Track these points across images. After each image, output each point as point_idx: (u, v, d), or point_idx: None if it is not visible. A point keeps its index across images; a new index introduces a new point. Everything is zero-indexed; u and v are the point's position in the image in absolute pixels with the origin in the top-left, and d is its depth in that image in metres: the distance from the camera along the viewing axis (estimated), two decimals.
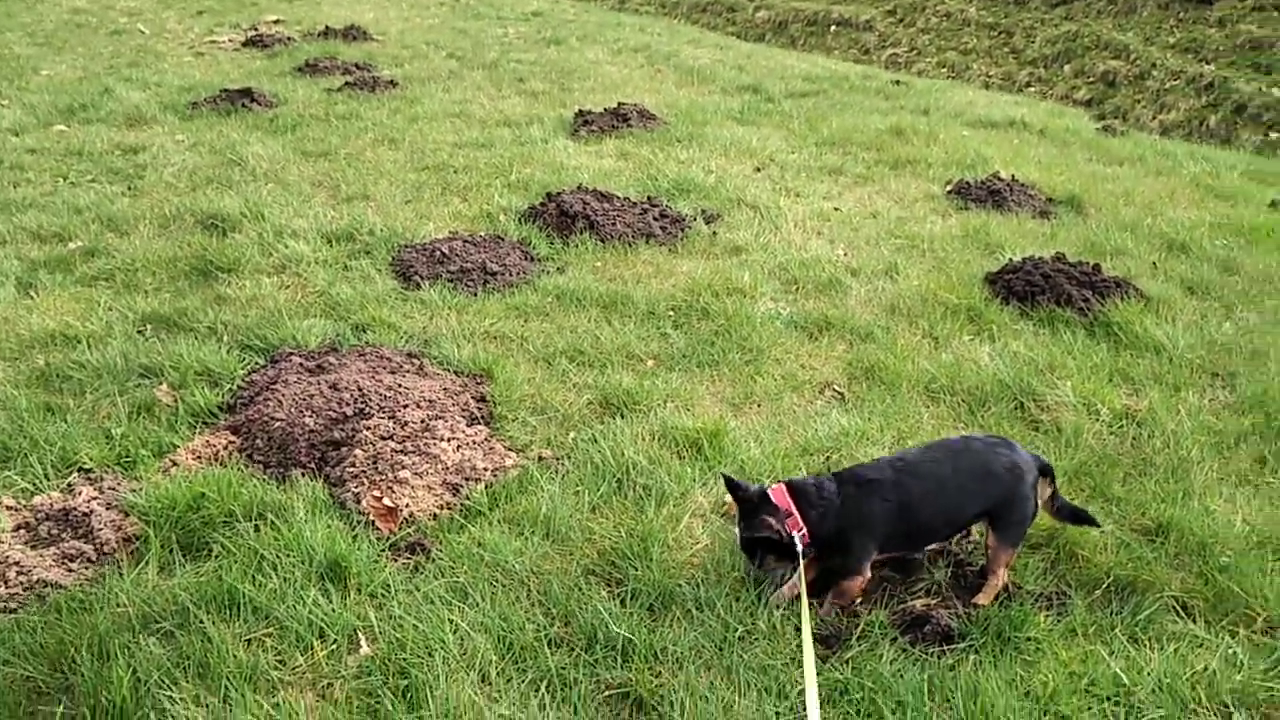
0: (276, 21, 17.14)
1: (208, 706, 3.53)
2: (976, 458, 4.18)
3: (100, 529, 4.55)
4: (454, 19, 18.62)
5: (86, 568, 4.37)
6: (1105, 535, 4.52)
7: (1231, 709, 3.66)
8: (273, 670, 3.72)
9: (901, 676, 3.72)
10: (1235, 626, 4.05)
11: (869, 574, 4.07)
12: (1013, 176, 9.35)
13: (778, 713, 3.58)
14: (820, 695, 3.67)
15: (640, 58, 15.37)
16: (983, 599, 4.14)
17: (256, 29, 16.45)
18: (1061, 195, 9.20)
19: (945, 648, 3.90)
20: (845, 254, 7.69)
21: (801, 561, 3.95)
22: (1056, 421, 5.40)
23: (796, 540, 3.93)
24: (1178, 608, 4.16)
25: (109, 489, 4.85)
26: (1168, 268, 7.51)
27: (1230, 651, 3.88)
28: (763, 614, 3.98)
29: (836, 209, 8.67)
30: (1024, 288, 6.84)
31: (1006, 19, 22.39)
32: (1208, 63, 18.37)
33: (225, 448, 5.19)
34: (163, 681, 3.63)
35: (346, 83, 12.66)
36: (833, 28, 23.46)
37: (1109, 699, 3.71)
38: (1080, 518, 4.35)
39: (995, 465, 4.13)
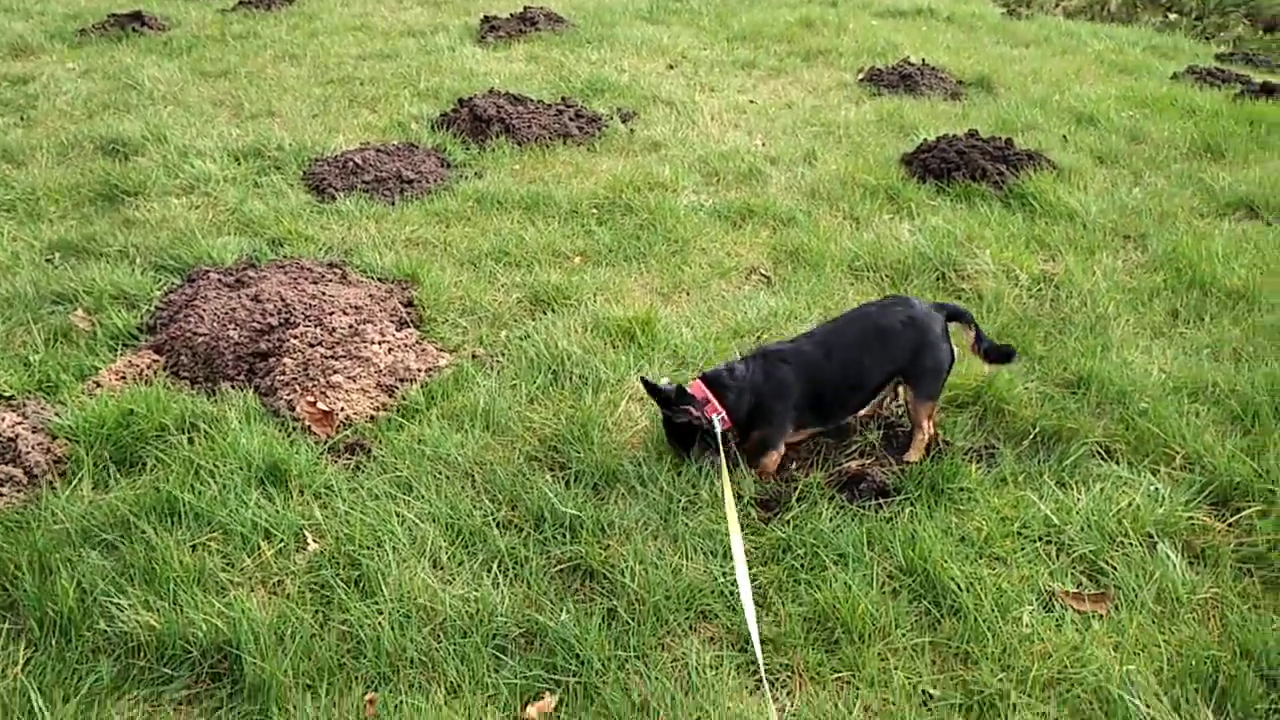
0: None
1: (158, 610, 3.51)
2: (871, 320, 4.28)
3: (28, 453, 4.44)
4: None
5: (19, 491, 4.28)
6: (1030, 390, 4.67)
7: (1155, 539, 3.84)
8: (221, 572, 3.71)
9: (841, 531, 3.84)
10: (1156, 465, 4.23)
11: (783, 449, 4.20)
12: (923, 60, 9.42)
13: (724, 572, 3.68)
14: (764, 553, 3.79)
15: None
16: (913, 455, 4.27)
17: None
18: (971, 77, 9.29)
19: (881, 502, 4.03)
20: (763, 144, 7.70)
21: (722, 445, 4.04)
22: (978, 289, 5.53)
23: (716, 423, 4.02)
24: (1101, 452, 4.33)
25: (33, 413, 4.73)
26: (1077, 139, 7.66)
27: (1153, 488, 4.07)
28: (704, 484, 4.06)
29: (752, 101, 8.67)
30: (940, 165, 6.94)
31: None
32: None
33: (149, 367, 5.09)
34: (109, 590, 3.60)
35: (240, 1, 12.19)
36: None
37: (1040, 539, 3.87)
38: (1005, 355, 4.41)
39: (892, 323, 4.23)
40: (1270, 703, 3.20)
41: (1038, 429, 4.45)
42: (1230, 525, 3.93)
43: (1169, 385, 4.70)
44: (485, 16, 11.21)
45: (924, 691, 3.30)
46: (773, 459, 4.18)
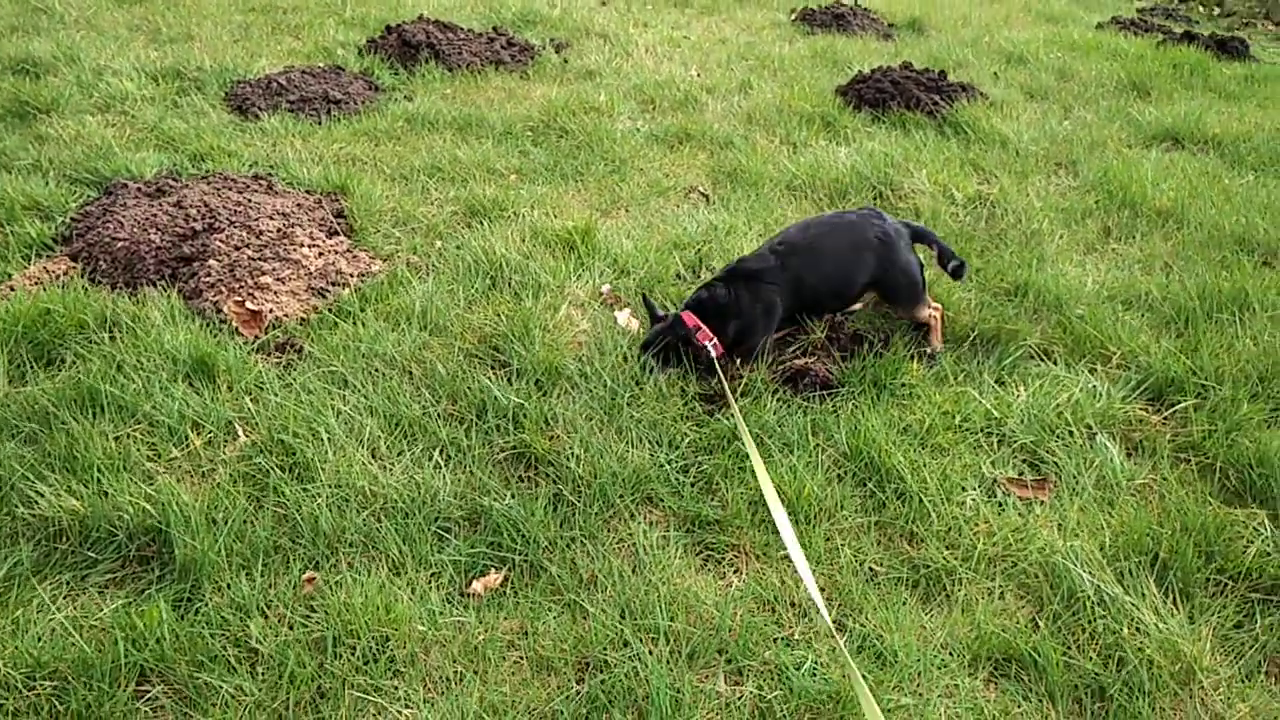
0: None
1: (81, 496, 3.35)
2: (851, 230, 4.30)
3: None
4: None
5: None
6: (968, 298, 4.70)
7: (1094, 431, 3.89)
8: (147, 462, 3.56)
9: (786, 422, 3.82)
10: (1093, 365, 4.29)
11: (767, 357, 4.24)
12: (855, 2, 9.42)
13: (669, 460, 3.63)
14: (709, 443, 3.75)
15: None
16: (935, 341, 4.38)
17: None
18: (903, 20, 9.33)
19: (825, 394, 4.01)
20: (698, 75, 7.64)
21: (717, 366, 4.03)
22: (915, 207, 5.55)
23: (710, 348, 4.00)
24: (1039, 354, 4.37)
25: None
26: (1008, 76, 7.74)
27: (1090, 385, 4.11)
28: (648, 380, 4.00)
29: (686, 37, 8.59)
30: (874, 95, 6.95)
31: None
32: None
33: (65, 272, 4.86)
34: (27, 477, 3.43)
35: None
36: None
37: (981, 431, 3.89)
38: (961, 269, 4.50)
39: (868, 237, 4.27)
40: (1209, 573, 3.26)
41: (976, 333, 4.48)
42: (1166, 419, 3.99)
43: (1103, 294, 4.76)
44: None
45: (869, 568, 3.30)
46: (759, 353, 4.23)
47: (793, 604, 3.16)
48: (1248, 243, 5.22)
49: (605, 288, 4.69)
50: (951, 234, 5.26)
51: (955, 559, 3.33)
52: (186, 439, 3.67)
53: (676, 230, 5.24)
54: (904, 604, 3.16)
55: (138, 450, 3.59)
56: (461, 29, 8.12)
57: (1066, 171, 6.12)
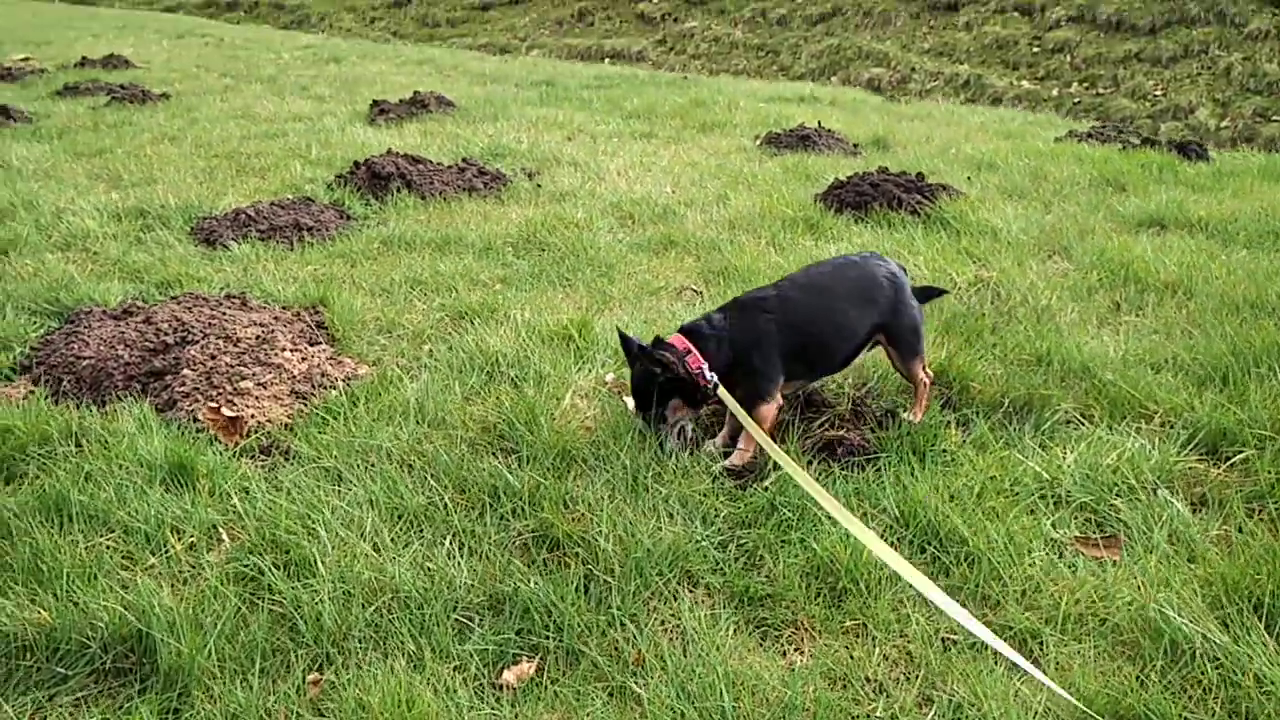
0: (25, 59, 15.86)
1: (48, 607, 2.93)
2: (858, 269, 4.07)
3: None
4: (221, 52, 17.76)
5: None
6: (992, 368, 4.47)
7: (1154, 486, 3.61)
8: (121, 571, 3.16)
9: (827, 489, 3.50)
10: (1137, 423, 4.04)
11: (780, 399, 3.84)
12: (819, 123, 9.53)
13: (705, 535, 3.29)
14: (746, 517, 3.43)
15: (427, 68, 15.04)
16: (918, 413, 4.05)
17: (3, 66, 15.15)
18: (867, 139, 9.43)
19: (864, 461, 3.72)
20: (673, 191, 7.57)
21: (705, 400, 3.72)
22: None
23: (706, 372, 3.67)
24: (1077, 418, 4.12)
25: None
26: (982, 180, 7.75)
27: (1139, 444, 3.85)
28: (670, 460, 3.69)
29: (656, 162, 8.58)
30: (855, 198, 6.89)
31: (772, 39, 23.12)
32: (961, 63, 19.53)
33: (26, 396, 4.51)
34: None
35: (113, 98, 11.76)
36: (606, 60, 23.72)
37: (1035, 495, 3.60)
38: (926, 294, 4.32)
39: (878, 274, 4.04)
40: None
41: (1007, 401, 4.23)
42: (1227, 470, 3.73)
43: (1129, 360, 4.56)
44: (375, 101, 11.00)
45: (943, 638, 2.95)
46: (769, 410, 3.80)
47: (868, 679, 2.79)
48: (1262, 307, 5.08)
49: (610, 376, 4.41)
50: (959, 315, 5.07)
51: (1038, 620, 2.98)
52: (166, 545, 3.27)
53: (674, 323, 4.98)
54: (991, 671, 2.80)
55: (111, 558, 3.19)
56: (431, 161, 8.04)
57: (1061, 256, 6.02)
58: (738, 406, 3.60)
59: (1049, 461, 3.75)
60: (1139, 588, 3.11)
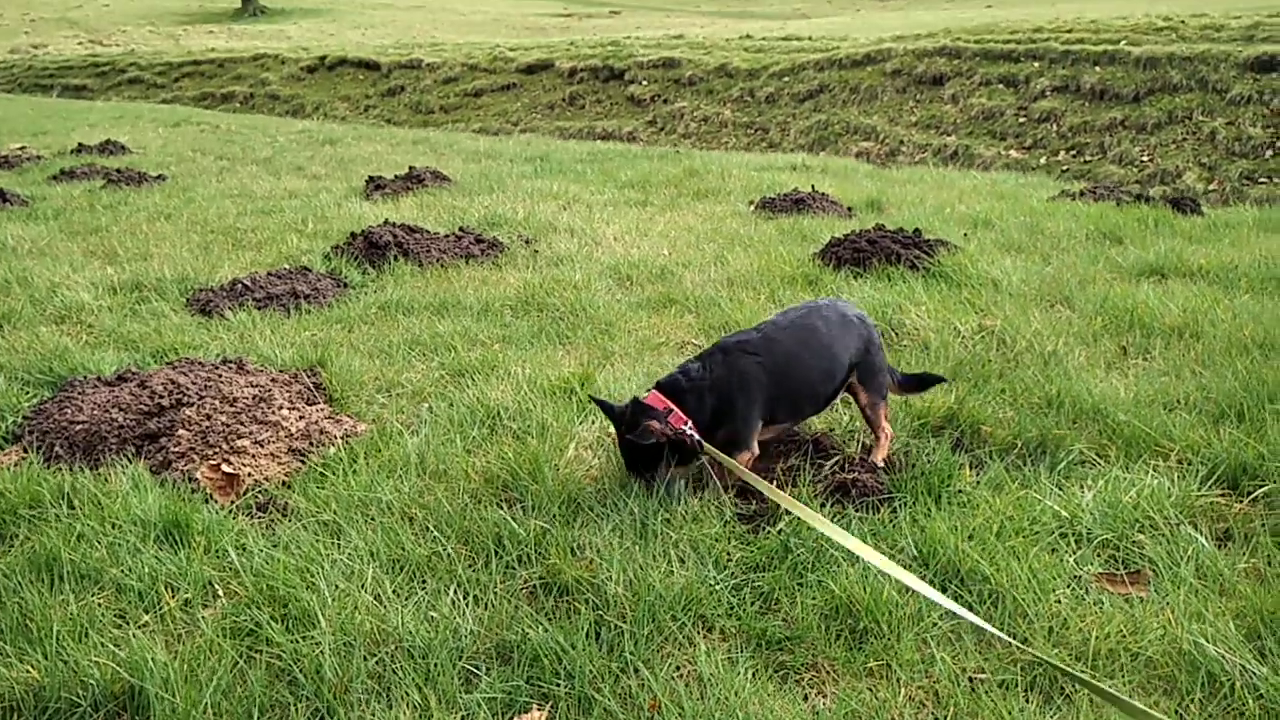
0: (22, 147, 15.98)
1: (37, 665, 2.81)
2: (833, 309, 4.09)
3: None
4: (217, 137, 17.90)
5: None
6: (1002, 411, 4.40)
7: (1177, 521, 3.51)
8: (113, 628, 3.04)
9: (847, 530, 3.40)
10: (1154, 461, 3.95)
11: (755, 449, 3.79)
12: (813, 187, 9.57)
13: (718, 579, 3.18)
14: (760, 561, 3.32)
15: (422, 147, 15.17)
16: (879, 455, 3.98)
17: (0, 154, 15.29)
18: (860, 202, 9.46)
19: (879, 502, 3.62)
20: (670, 254, 7.55)
21: (699, 455, 3.64)
22: (922, 342, 5.33)
23: (689, 431, 3.60)
24: (1091, 458, 4.04)
25: None
26: (979, 236, 7.75)
27: (1157, 481, 3.76)
28: (678, 505, 3.59)
29: (652, 228, 8.58)
30: (853, 254, 6.87)
31: (760, 117, 23.40)
32: (949, 135, 19.78)
33: (17, 463, 4.41)
34: None
35: (109, 181, 11.81)
36: (597, 142, 23.98)
37: (1054, 533, 3.50)
38: (923, 381, 4.33)
39: (849, 313, 4.07)
40: None
41: (1020, 443, 4.15)
42: (1250, 504, 3.64)
43: (1140, 400, 4.49)
44: (371, 177, 11.06)
45: (970, 676, 2.83)
46: (745, 459, 3.73)
47: None
48: (1270, 347, 5.02)
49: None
50: (964, 362, 5.01)
51: (1068, 656, 2.87)
52: (160, 602, 3.15)
53: None
54: (1022, 711, 2.68)
55: (103, 616, 3.07)
56: (428, 230, 8.04)
57: (1064, 305, 5.98)
58: (724, 457, 3.57)
59: (1067, 500, 3.66)
60: (1170, 621, 3.00)
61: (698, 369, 3.77)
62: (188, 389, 4.69)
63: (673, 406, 3.66)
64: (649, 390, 3.81)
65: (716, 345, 3.93)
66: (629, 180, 11.01)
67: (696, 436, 3.61)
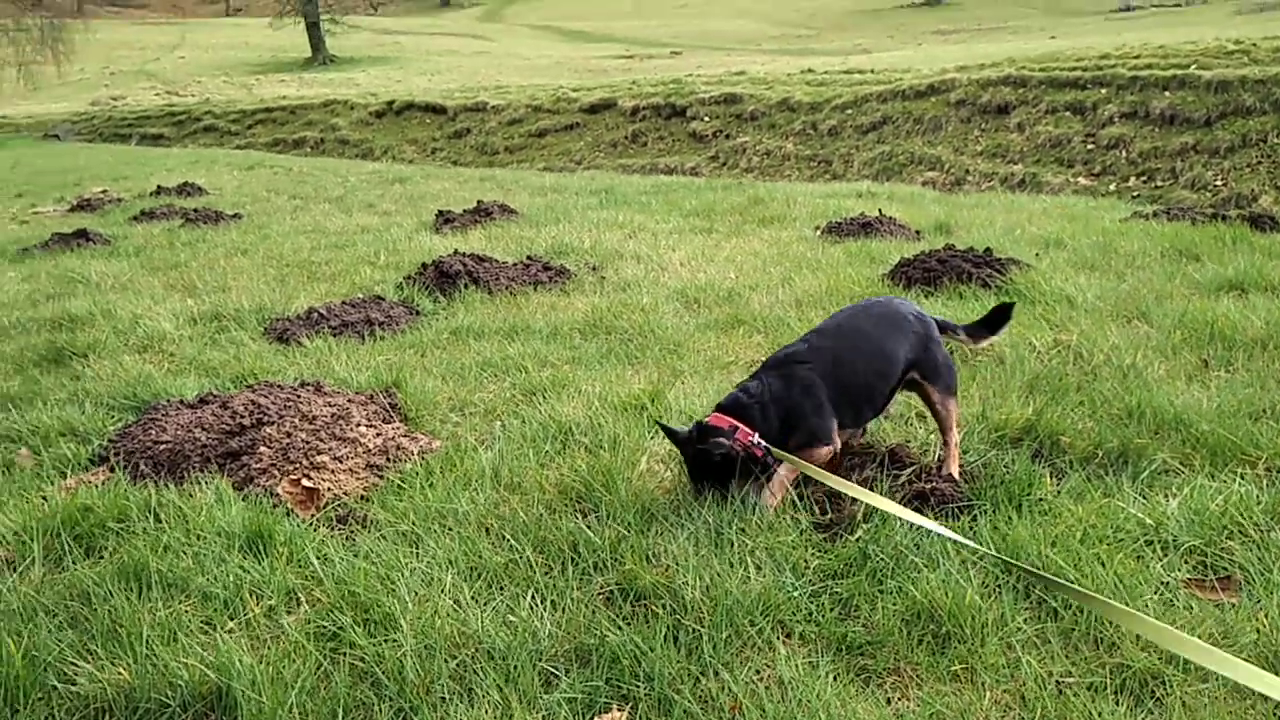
0: (103, 191, 16.53)
1: (128, 668, 2.88)
2: (882, 307, 4.07)
3: None
4: (290, 179, 18.35)
5: None
6: (1082, 422, 4.33)
7: (1268, 527, 3.42)
8: (200, 633, 3.10)
9: (921, 541, 3.36)
10: (1240, 469, 3.86)
11: (837, 443, 3.76)
12: (880, 211, 9.54)
13: (796, 586, 3.16)
14: (836, 568, 3.29)
15: (489, 184, 15.40)
16: (952, 468, 3.91)
17: (83, 198, 15.80)
18: (929, 226, 9.41)
19: (958, 509, 3.58)
20: (737, 277, 7.56)
21: (771, 467, 3.64)
22: (997, 356, 5.27)
23: (757, 440, 3.60)
24: (1176, 466, 3.95)
25: None
26: (1051, 255, 7.65)
27: (1245, 488, 3.67)
28: (753, 514, 3.58)
29: (718, 253, 8.61)
30: (923, 274, 6.83)
31: (823, 149, 23.34)
32: (1015, 163, 19.58)
33: (104, 482, 4.53)
34: (65, 655, 2.96)
35: (187, 220, 12.16)
36: (660, 176, 24.07)
37: (1140, 540, 3.42)
38: (995, 319, 4.33)
39: (903, 313, 4.01)
40: None
41: (1101, 453, 4.08)
42: None
43: (1225, 411, 4.39)
44: (440, 211, 11.26)
45: (1058, 681, 2.77)
46: (825, 452, 3.71)
47: None
48: None
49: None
50: (1041, 376, 4.94)
51: (1158, 660, 2.80)
52: (245, 608, 3.21)
53: None
54: (1112, 714, 2.62)
55: (190, 622, 3.14)
56: (497, 259, 8.15)
57: (1141, 320, 5.87)
58: (796, 460, 3.56)
59: (1151, 508, 3.58)
60: (1264, 626, 2.92)
61: (756, 385, 3.78)
62: (268, 409, 4.79)
63: (737, 424, 3.65)
64: (710, 414, 3.80)
65: (766, 362, 3.95)
66: (693, 209, 11.07)
67: (764, 444, 3.60)
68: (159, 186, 15.93)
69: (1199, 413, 4.33)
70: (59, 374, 6.23)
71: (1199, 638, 2.86)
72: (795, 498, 3.66)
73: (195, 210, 12.98)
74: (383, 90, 36.43)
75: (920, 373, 3.95)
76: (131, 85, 49.61)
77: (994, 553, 3.16)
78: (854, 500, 3.67)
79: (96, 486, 4.36)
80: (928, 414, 4.18)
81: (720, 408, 3.78)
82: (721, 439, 3.59)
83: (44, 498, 4.31)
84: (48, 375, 6.22)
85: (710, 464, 3.64)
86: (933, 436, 4.29)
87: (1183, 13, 46.65)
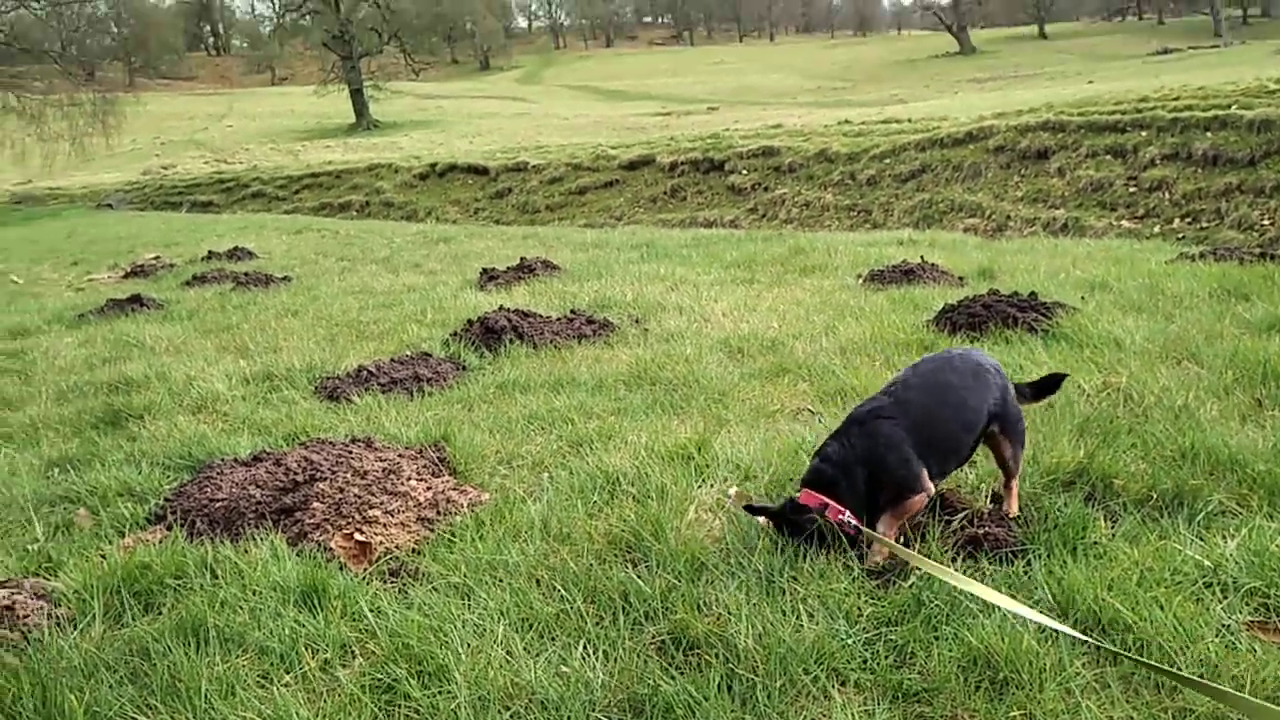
0: (155, 258, 16.92)
1: None
2: (964, 360, 4.06)
3: (26, 615, 3.88)
4: (337, 241, 18.67)
5: (13, 651, 3.70)
6: (1135, 464, 4.29)
7: None
8: (257, 687, 3.13)
9: (981, 581, 3.33)
10: None
11: (930, 488, 3.72)
12: (922, 258, 9.54)
13: (850, 633, 3.14)
14: (890, 615, 3.27)
15: (531, 241, 15.58)
16: (1014, 506, 3.90)
17: (136, 264, 16.18)
18: (972, 271, 9.39)
19: (1012, 554, 3.54)
20: (780, 326, 7.58)
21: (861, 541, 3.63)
22: (1047, 400, 5.22)
23: (848, 519, 3.60)
24: (1233, 507, 3.90)
25: (31, 586, 4.20)
26: (1097, 298, 7.61)
27: None
28: (805, 561, 3.57)
29: (760, 303, 8.64)
30: (968, 319, 6.81)
31: (863, 199, 23.39)
32: (1057, 208, 19.51)
33: (161, 540, 4.60)
34: (127, 709, 3.01)
35: (238, 284, 12.40)
36: (700, 229, 24.17)
37: (1198, 583, 3.37)
38: (1049, 385, 4.38)
39: (983, 364, 4.02)
40: None
41: (1155, 495, 4.03)
42: None
43: None
44: (484, 269, 11.41)
45: None
46: (920, 501, 3.68)
47: None
48: None
49: (733, 490, 4.33)
50: (1091, 418, 4.90)
51: (1222, 705, 2.75)
52: (301, 662, 3.24)
53: (795, 440, 4.93)
54: None
55: (248, 675, 3.17)
56: (540, 314, 8.24)
57: (1191, 361, 5.81)
58: (880, 538, 3.56)
59: (1209, 550, 3.53)
60: None
61: (836, 449, 3.76)
62: (320, 465, 4.86)
63: (827, 501, 3.64)
64: (798, 490, 3.79)
65: (849, 419, 3.91)
66: (734, 260, 11.13)
67: (854, 523, 3.60)
68: (210, 251, 16.27)
69: (1255, 453, 4.27)
70: (116, 435, 6.35)
71: (1264, 679, 2.81)
72: (848, 544, 3.64)
73: (246, 274, 13.24)
74: (425, 153, 37.08)
75: (1000, 425, 3.94)
76: (181, 154, 50.90)
77: (1093, 639, 3.12)
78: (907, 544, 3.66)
79: (154, 544, 4.44)
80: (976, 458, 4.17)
81: (807, 483, 3.75)
82: (811, 515, 3.61)
83: (103, 556, 4.39)
84: (105, 437, 6.35)
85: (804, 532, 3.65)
86: (980, 484, 4.26)
87: (1221, 54, 46.46)
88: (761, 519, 3.82)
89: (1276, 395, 5.08)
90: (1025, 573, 3.43)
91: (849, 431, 3.83)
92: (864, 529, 3.61)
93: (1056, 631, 3.09)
